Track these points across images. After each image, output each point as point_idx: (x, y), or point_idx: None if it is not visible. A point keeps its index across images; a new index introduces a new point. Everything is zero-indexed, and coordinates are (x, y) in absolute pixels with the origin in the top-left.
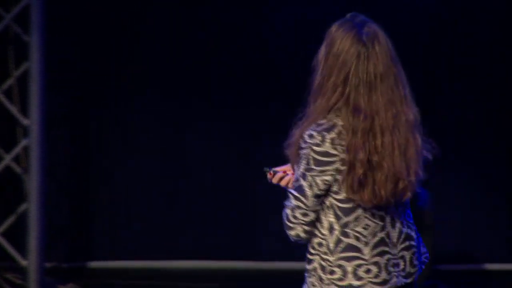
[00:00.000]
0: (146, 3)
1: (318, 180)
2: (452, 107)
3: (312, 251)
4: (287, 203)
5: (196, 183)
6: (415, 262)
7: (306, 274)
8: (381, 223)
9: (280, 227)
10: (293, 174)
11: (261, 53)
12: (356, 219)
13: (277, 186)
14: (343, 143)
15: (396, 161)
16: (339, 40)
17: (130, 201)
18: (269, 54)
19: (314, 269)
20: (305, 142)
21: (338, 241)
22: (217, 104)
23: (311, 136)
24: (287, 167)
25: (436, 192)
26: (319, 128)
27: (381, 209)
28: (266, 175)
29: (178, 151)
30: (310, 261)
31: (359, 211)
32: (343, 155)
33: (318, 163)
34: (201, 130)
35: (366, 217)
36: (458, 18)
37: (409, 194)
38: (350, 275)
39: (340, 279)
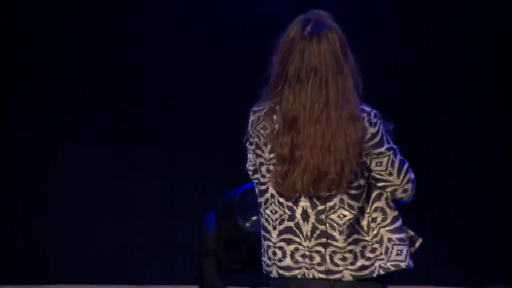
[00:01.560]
0: None
1: (249, 155)
2: None
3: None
4: None
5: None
6: (338, 262)
7: None
8: (289, 212)
9: None
10: None
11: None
12: (266, 202)
13: None
14: (261, 130)
15: (317, 155)
16: (287, 33)
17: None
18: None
19: None
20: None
21: (259, 219)
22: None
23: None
24: None
25: None
26: (253, 108)
27: (291, 200)
28: None
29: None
30: None
31: (268, 195)
32: (256, 139)
33: (247, 140)
34: None
35: (273, 203)
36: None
37: (335, 188)
38: (265, 253)
39: (262, 255)
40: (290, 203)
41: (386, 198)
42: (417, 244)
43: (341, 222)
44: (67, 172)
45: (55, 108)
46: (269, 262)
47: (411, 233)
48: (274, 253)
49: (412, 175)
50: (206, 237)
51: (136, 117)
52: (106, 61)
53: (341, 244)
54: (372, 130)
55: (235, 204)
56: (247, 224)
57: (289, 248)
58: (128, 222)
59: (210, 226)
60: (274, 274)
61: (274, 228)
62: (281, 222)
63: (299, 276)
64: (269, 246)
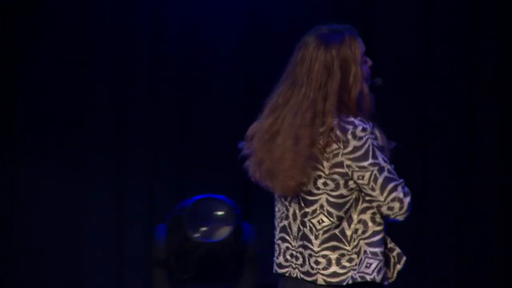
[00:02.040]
0: None
1: None
2: None
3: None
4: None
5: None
6: (313, 265)
7: None
8: (285, 212)
9: None
10: None
11: None
12: (276, 199)
13: None
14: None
15: (269, 160)
16: None
17: None
18: None
19: None
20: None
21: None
22: None
23: None
24: None
25: (259, 226)
26: None
27: (286, 199)
28: None
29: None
30: None
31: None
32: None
33: None
34: None
35: (279, 201)
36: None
37: (280, 191)
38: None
39: None
40: (286, 203)
41: (373, 213)
42: (402, 262)
43: (318, 227)
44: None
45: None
46: (274, 258)
47: (398, 250)
48: (275, 250)
49: (401, 195)
50: (157, 248)
51: (84, 127)
52: (55, 71)
53: (315, 248)
54: (355, 143)
55: (185, 215)
56: (197, 235)
57: (283, 246)
58: (78, 233)
59: (161, 237)
60: (273, 270)
61: (277, 225)
62: (281, 220)
63: (286, 274)
64: (274, 243)
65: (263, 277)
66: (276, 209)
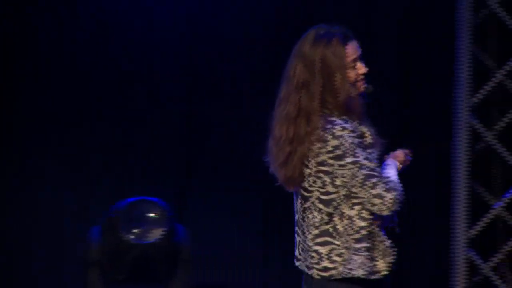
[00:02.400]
0: None
1: None
2: None
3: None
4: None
5: None
6: (309, 260)
7: None
8: (296, 206)
9: None
10: None
11: None
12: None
13: None
14: None
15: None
16: None
17: None
18: None
19: None
20: None
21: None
22: None
23: None
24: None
25: (193, 227)
26: None
27: (296, 195)
28: None
29: None
30: None
31: None
32: None
33: None
34: None
35: (297, 195)
36: None
37: (281, 182)
38: None
39: None
40: (295, 198)
41: (361, 209)
42: (393, 254)
43: (311, 222)
44: None
45: None
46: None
47: (388, 242)
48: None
49: (382, 191)
50: (91, 249)
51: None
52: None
53: (309, 243)
54: (334, 142)
55: (119, 217)
56: (130, 237)
57: (296, 240)
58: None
59: (95, 239)
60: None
61: (294, 220)
62: (294, 214)
63: (300, 267)
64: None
65: (197, 278)
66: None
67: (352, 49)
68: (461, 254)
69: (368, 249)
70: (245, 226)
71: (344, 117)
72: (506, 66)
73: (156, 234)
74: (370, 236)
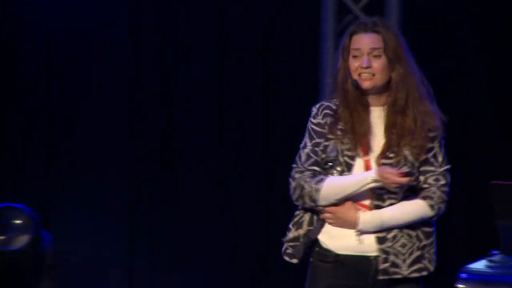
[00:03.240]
0: None
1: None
2: None
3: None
4: (442, 182)
5: None
6: None
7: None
8: None
9: None
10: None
11: None
12: None
13: None
14: None
15: None
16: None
17: None
18: None
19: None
20: (440, 119)
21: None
22: None
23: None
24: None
25: (59, 233)
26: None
27: None
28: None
29: None
30: (431, 234)
31: None
32: None
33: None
34: None
35: None
36: None
37: None
38: None
39: None
40: None
41: None
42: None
43: None
44: None
45: None
46: None
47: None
48: None
49: (290, 177)
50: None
51: None
52: None
53: None
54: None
55: None
56: None
57: None
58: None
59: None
60: None
61: None
62: None
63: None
64: None
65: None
66: None
67: (358, 41)
68: None
69: (297, 236)
70: (111, 231)
71: (336, 99)
72: None
73: (21, 240)
74: (300, 222)
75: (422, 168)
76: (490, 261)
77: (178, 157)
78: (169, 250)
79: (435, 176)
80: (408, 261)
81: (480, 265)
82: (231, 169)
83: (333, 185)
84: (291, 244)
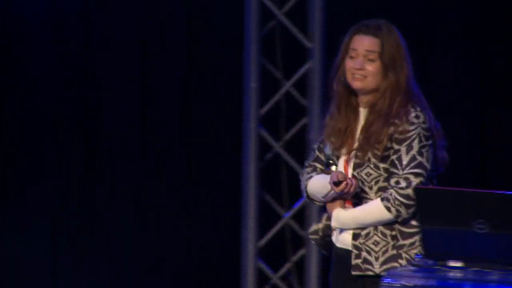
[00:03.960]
0: None
1: (430, 153)
2: None
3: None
4: (402, 185)
5: None
6: None
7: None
8: None
9: None
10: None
11: None
12: None
13: None
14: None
15: None
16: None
17: None
18: None
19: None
20: (413, 123)
21: None
22: None
23: (417, 116)
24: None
25: None
26: (419, 108)
27: None
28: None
29: None
30: (411, 235)
31: None
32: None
33: (427, 138)
34: None
35: None
36: None
37: None
38: None
39: None
40: None
41: None
42: None
43: None
44: None
45: None
46: None
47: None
48: None
49: None
50: None
51: None
52: None
53: None
54: None
55: None
56: None
57: None
58: None
59: None
60: None
61: None
62: None
63: None
64: None
65: None
66: None
67: (356, 41)
68: (251, 263)
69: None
70: (33, 242)
71: None
72: (294, 77)
73: None
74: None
75: (390, 170)
76: (414, 265)
77: (102, 167)
78: (92, 261)
79: (396, 179)
80: (381, 259)
81: (404, 268)
82: (154, 177)
83: (314, 184)
84: (311, 237)
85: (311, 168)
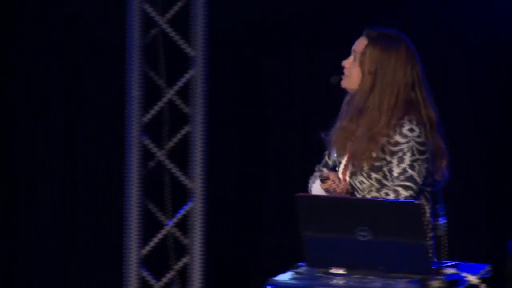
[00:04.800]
0: None
1: (423, 168)
2: None
3: None
4: (391, 197)
5: None
6: None
7: None
8: None
9: None
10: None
11: None
12: None
13: None
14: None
15: None
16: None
17: None
18: None
19: None
20: (406, 136)
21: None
22: None
23: (411, 130)
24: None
25: None
26: (415, 122)
27: None
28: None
29: None
30: None
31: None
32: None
33: (421, 152)
34: None
35: None
36: None
37: None
38: None
39: None
40: None
41: None
42: None
43: None
44: None
45: None
46: None
47: None
48: None
49: None
50: None
51: None
52: None
53: None
54: None
55: None
56: None
57: None
58: None
59: None
60: None
61: None
62: None
63: None
64: None
65: None
66: None
67: (356, 43)
68: (134, 272)
69: None
70: None
71: None
72: (176, 85)
73: None
74: None
75: (381, 181)
76: (297, 272)
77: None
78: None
79: (386, 190)
80: None
81: (286, 277)
82: None
83: (315, 188)
84: None
85: (318, 173)
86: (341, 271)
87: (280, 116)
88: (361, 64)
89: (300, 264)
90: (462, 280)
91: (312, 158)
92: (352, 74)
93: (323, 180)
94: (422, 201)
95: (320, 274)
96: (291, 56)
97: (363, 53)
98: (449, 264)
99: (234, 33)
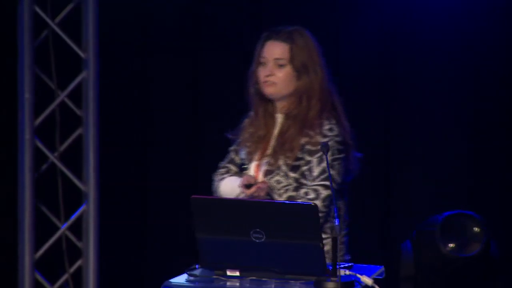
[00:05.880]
0: None
1: (342, 167)
2: None
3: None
4: (310, 196)
5: None
6: None
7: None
8: None
9: None
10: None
11: None
12: None
13: None
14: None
15: None
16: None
17: None
18: None
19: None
20: (326, 135)
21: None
22: None
23: (331, 129)
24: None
25: None
26: (334, 121)
27: None
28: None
29: None
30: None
31: None
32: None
33: (340, 151)
34: None
35: None
36: None
37: None
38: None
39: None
40: None
41: None
42: None
43: None
44: None
45: None
46: None
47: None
48: None
49: None
50: (406, 264)
51: None
52: None
53: None
54: None
55: (436, 231)
56: (449, 250)
57: None
58: None
59: (408, 254)
60: None
61: None
62: None
63: None
64: None
65: None
66: None
67: (266, 48)
68: (28, 275)
69: None
70: None
71: None
72: (68, 87)
73: (475, 247)
74: None
75: (300, 180)
76: (191, 275)
77: None
78: None
79: (305, 190)
80: None
81: (181, 279)
82: None
83: (226, 185)
84: None
85: (224, 170)
86: (236, 273)
87: (165, 117)
88: (293, 67)
89: (196, 265)
90: (357, 281)
91: (202, 158)
92: (282, 80)
93: (248, 186)
94: (340, 200)
95: (215, 277)
96: (177, 57)
97: (291, 56)
98: (344, 265)
99: (124, 36)
